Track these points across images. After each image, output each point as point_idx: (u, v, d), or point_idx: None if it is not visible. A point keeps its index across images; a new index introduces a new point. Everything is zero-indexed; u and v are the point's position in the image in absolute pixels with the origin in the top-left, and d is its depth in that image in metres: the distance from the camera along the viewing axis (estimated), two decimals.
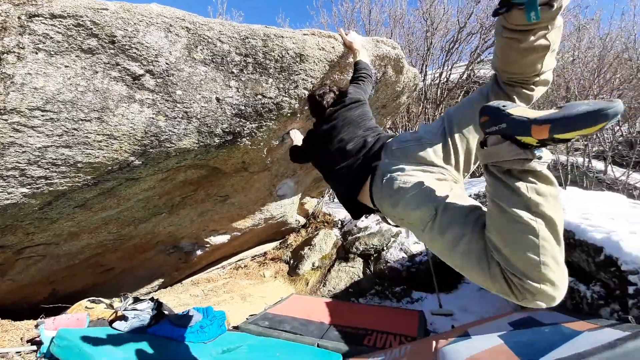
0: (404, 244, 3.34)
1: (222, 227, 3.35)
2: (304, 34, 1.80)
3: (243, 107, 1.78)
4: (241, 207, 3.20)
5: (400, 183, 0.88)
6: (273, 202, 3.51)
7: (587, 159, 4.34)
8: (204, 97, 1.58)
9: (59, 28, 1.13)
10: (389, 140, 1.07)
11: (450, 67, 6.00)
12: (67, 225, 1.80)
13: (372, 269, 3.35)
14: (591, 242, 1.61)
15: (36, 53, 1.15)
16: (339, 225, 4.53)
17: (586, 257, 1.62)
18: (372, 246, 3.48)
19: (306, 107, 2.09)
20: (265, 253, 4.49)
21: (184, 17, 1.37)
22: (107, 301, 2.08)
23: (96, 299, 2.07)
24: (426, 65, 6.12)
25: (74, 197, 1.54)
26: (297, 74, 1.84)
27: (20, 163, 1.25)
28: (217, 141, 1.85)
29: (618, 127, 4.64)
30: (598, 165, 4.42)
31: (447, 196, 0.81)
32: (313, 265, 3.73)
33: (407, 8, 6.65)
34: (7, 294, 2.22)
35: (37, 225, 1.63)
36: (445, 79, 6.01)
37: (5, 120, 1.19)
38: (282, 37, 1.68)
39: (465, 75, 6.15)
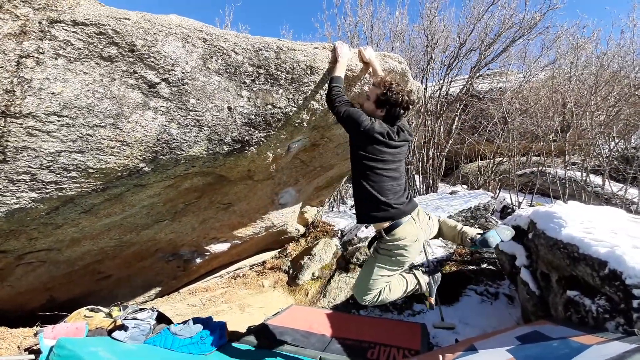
0: None
1: (223, 235, 3.32)
2: (315, 47, 1.85)
3: (253, 117, 1.80)
4: (243, 215, 3.19)
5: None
6: (274, 210, 3.51)
7: (584, 174, 4.42)
8: (216, 106, 1.60)
9: (81, 35, 1.15)
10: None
11: (450, 81, 6.14)
12: (71, 231, 1.77)
13: None
14: (595, 256, 1.62)
15: (56, 59, 1.16)
16: (339, 235, 4.51)
17: (591, 270, 1.63)
18: None
19: (313, 118, 2.13)
20: (264, 262, 4.44)
21: (201, 28, 1.41)
22: (106, 310, 2.04)
23: (95, 307, 2.02)
24: (426, 79, 6.27)
25: (81, 203, 1.53)
26: (307, 86, 1.88)
27: (32, 168, 1.25)
28: (226, 149, 1.86)
29: (614, 143, 4.76)
30: (596, 179, 4.50)
31: None
32: (313, 276, 3.70)
33: (408, 23, 6.85)
34: (3, 300, 2.16)
35: (42, 230, 1.61)
36: (445, 93, 6.14)
37: (20, 124, 1.19)
38: (295, 49, 1.72)
39: (464, 90, 6.30)
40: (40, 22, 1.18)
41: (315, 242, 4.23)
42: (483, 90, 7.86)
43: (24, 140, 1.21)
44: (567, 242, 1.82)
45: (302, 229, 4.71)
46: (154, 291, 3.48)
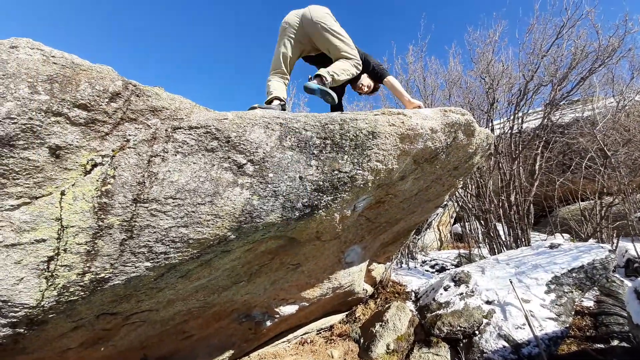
0: (502, 327, 2.75)
1: (292, 296, 3.31)
2: (375, 115, 1.97)
3: (321, 183, 1.92)
4: (310, 275, 3.18)
5: None
6: (341, 269, 3.41)
7: None
8: (289, 177, 1.78)
9: (194, 136, 1.48)
10: None
11: (521, 118, 5.66)
12: (169, 293, 2.01)
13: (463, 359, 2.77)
14: None
15: (175, 155, 1.49)
16: (413, 298, 4.05)
17: None
18: (458, 328, 2.95)
19: (377, 177, 2.16)
20: (331, 327, 4.17)
21: (278, 115, 1.67)
22: None
23: None
24: (492, 120, 5.91)
25: (180, 269, 1.76)
26: (370, 149, 1.96)
27: (150, 242, 1.52)
28: (297, 214, 1.98)
29: None
30: None
31: None
32: (387, 348, 3.28)
33: (463, 69, 6.87)
34: (103, 359, 2.44)
35: (148, 293, 1.87)
36: (517, 131, 5.62)
37: (146, 207, 1.50)
38: (357, 119, 1.87)
39: (541, 125, 5.68)
40: (166, 130, 1.56)
41: (387, 306, 3.86)
42: (565, 123, 6.98)
43: (147, 220, 1.50)
44: None
45: (370, 289, 4.40)
46: (227, 354, 3.52)
